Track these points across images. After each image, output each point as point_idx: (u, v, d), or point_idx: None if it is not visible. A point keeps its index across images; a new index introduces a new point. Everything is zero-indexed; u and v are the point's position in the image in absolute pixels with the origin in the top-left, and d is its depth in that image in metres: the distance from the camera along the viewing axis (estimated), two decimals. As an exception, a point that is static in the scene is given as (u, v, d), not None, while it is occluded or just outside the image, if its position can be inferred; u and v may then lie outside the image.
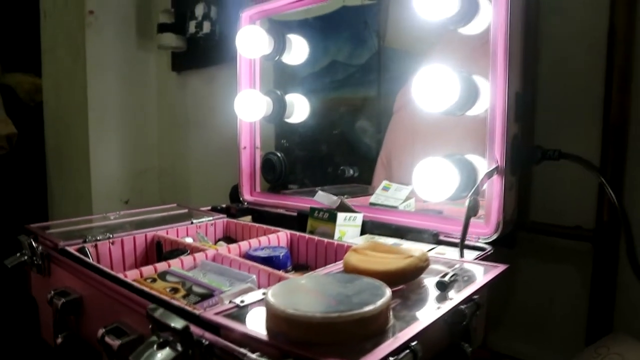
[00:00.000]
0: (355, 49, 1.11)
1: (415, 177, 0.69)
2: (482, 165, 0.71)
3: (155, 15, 1.49)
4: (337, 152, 1.01)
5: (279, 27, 0.98)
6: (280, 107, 0.97)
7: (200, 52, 1.36)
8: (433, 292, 0.48)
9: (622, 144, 0.70)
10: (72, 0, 1.56)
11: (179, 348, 0.39)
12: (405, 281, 0.49)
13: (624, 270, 0.72)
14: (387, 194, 0.90)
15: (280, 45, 0.97)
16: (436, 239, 0.71)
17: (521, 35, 0.70)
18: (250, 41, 0.93)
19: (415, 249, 0.52)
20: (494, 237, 0.68)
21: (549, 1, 0.77)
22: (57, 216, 1.78)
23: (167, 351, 0.39)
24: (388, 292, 0.40)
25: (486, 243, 0.68)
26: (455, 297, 0.47)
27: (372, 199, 0.90)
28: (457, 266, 0.54)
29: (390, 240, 0.74)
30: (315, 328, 0.36)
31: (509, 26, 0.66)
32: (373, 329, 0.38)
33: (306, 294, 0.40)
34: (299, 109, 1.00)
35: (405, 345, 0.38)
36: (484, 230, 0.69)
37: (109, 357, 0.48)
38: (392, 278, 0.48)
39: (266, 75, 1.07)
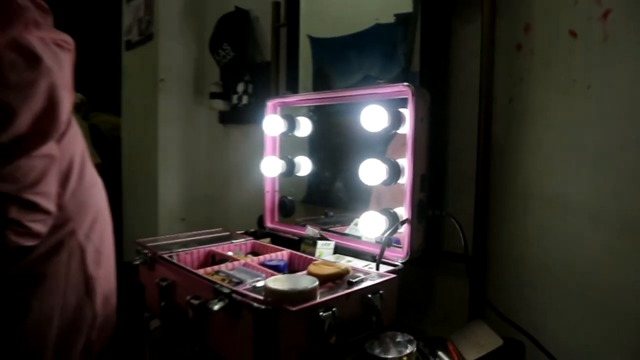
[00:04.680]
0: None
1: (360, 222, 1.24)
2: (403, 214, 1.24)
3: (208, 81, 2.11)
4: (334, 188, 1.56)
5: (291, 114, 1.54)
6: (290, 167, 1.54)
7: (240, 114, 1.96)
8: (345, 286, 1.02)
9: (485, 206, 1.22)
10: (148, 69, 2.20)
11: (226, 301, 0.95)
12: (334, 280, 1.04)
13: (491, 281, 1.24)
14: (356, 228, 1.44)
15: (292, 126, 1.53)
16: (373, 259, 1.25)
17: (427, 138, 1.23)
18: (272, 125, 1.50)
19: (344, 264, 1.07)
20: (406, 259, 1.21)
21: (452, 125, 1.31)
22: (129, 230, 2.42)
23: (220, 303, 0.96)
24: (316, 283, 0.94)
25: (401, 263, 1.21)
26: (356, 288, 1.01)
27: (347, 230, 1.45)
28: (366, 275, 1.09)
29: (348, 258, 1.29)
30: (283, 294, 0.91)
31: (414, 135, 1.19)
32: (309, 297, 0.93)
33: (281, 281, 0.96)
34: (304, 167, 1.57)
35: (326, 306, 0.92)
36: (400, 255, 1.22)
37: (192, 310, 1.05)
38: (326, 278, 1.03)
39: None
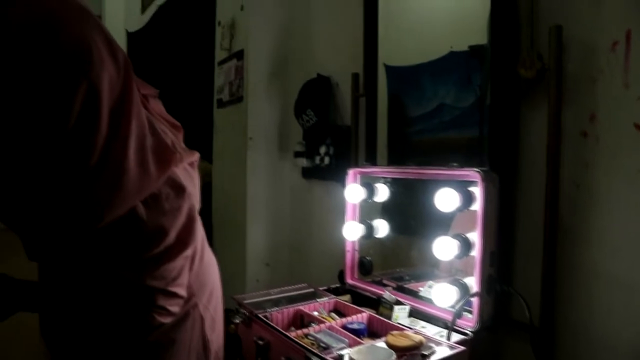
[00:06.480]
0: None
1: (432, 293, 1.40)
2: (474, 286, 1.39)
3: (292, 139, 2.36)
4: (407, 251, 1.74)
5: (370, 182, 1.74)
6: (369, 230, 1.73)
7: (322, 172, 2.18)
8: (419, 359, 1.19)
9: (551, 283, 1.33)
10: (238, 127, 2.49)
11: (317, 369, 1.16)
12: (409, 351, 1.20)
13: (559, 355, 1.35)
14: (430, 290, 1.60)
15: (370, 193, 1.73)
16: (445, 326, 1.40)
17: (496, 217, 1.37)
18: (353, 194, 1.70)
19: (418, 336, 1.24)
20: (475, 328, 1.35)
21: (520, 204, 1.44)
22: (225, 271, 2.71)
23: (312, 370, 1.16)
24: (393, 357, 1.12)
25: (471, 331, 1.35)
26: (429, 361, 1.17)
27: (422, 292, 1.61)
28: (438, 345, 1.24)
29: (422, 323, 1.45)
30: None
31: (484, 214, 1.34)
32: (387, 370, 1.11)
33: (363, 354, 1.14)
34: (382, 229, 1.75)
35: (402, 378, 1.11)
36: (470, 324, 1.36)
37: (286, 370, 1.26)
38: (403, 350, 1.20)
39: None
